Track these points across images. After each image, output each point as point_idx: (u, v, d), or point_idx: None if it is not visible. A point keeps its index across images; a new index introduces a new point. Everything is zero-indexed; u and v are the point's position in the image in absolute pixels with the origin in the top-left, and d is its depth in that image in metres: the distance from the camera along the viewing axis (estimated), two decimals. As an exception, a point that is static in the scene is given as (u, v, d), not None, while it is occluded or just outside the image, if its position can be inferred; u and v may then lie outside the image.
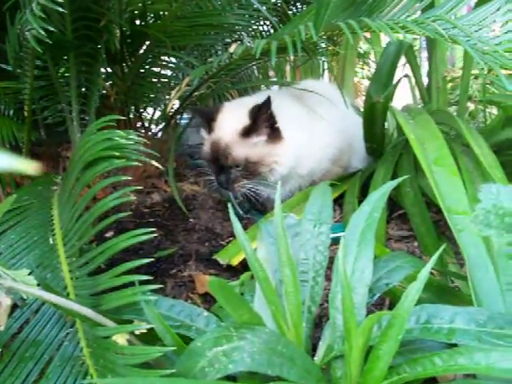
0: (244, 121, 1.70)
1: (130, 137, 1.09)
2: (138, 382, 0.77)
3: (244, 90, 2.51)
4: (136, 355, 0.86)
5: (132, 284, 0.98)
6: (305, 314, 0.98)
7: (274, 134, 1.70)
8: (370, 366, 0.83)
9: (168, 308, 0.99)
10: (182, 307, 0.99)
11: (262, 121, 1.68)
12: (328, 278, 1.07)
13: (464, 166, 1.39)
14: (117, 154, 1.05)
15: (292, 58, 2.55)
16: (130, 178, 1.07)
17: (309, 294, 1.01)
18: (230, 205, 1.03)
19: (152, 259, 1.05)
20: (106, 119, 1.19)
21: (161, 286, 0.96)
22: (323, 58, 2.76)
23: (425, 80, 2.13)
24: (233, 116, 1.74)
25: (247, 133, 1.69)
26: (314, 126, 1.82)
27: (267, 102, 1.66)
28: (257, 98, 1.80)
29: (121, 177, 1.07)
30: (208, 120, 1.78)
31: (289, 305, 0.94)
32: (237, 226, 0.95)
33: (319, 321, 1.24)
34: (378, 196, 1.08)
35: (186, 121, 2.36)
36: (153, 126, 2.33)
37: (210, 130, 1.77)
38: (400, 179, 1.12)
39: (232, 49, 1.59)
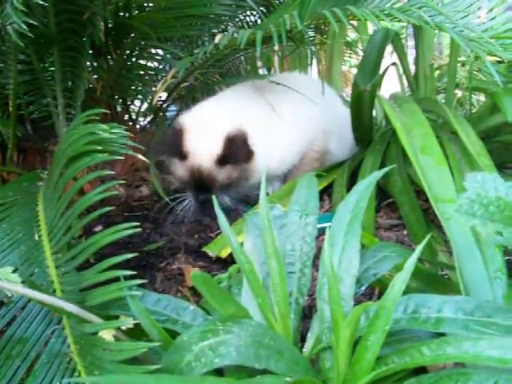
0: (218, 148, 1.66)
1: (114, 130, 1.07)
2: (123, 379, 0.76)
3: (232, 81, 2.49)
4: (123, 351, 0.86)
5: (120, 279, 0.97)
6: (292, 305, 0.97)
7: (248, 154, 1.69)
8: (358, 356, 0.83)
9: (154, 302, 0.98)
10: (168, 301, 0.98)
11: (237, 151, 1.66)
12: (317, 269, 1.06)
13: (451, 154, 1.38)
14: (99, 148, 1.04)
15: (279, 47, 2.54)
16: (113, 172, 1.05)
17: (296, 286, 1.00)
18: (214, 198, 1.03)
19: (139, 253, 1.04)
20: (90, 113, 1.17)
21: (146, 281, 0.95)
22: (311, 48, 2.75)
23: (412, 68, 2.12)
24: (204, 142, 1.68)
25: (224, 161, 1.66)
26: (280, 121, 1.80)
27: (241, 135, 1.66)
28: (219, 107, 1.80)
29: (105, 171, 1.05)
30: (175, 149, 1.71)
31: (276, 297, 0.93)
32: (222, 219, 0.95)
33: (309, 312, 1.24)
34: (365, 186, 1.07)
35: (173, 113, 2.35)
36: (140, 119, 2.31)
37: (181, 157, 1.70)
38: (386, 169, 1.12)
39: (217, 39, 1.57)
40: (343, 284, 0.93)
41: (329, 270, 0.84)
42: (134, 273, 0.93)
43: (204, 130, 1.70)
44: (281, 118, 1.78)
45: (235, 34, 1.57)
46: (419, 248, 0.86)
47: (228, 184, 1.70)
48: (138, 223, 0.98)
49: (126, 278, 0.95)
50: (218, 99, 1.89)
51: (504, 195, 0.81)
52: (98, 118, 1.19)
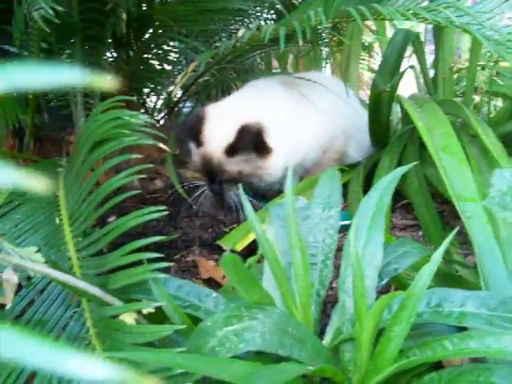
0: (231, 138, 1.66)
1: (140, 117, 1.07)
2: (151, 356, 0.76)
3: (247, 80, 2.49)
4: (145, 334, 0.86)
5: (138, 265, 0.97)
6: (313, 296, 0.97)
7: (263, 149, 1.68)
8: (381, 348, 0.83)
9: (176, 288, 0.98)
10: (190, 288, 0.98)
11: (249, 142, 1.65)
12: (334, 267, 1.06)
13: (471, 155, 1.38)
14: (127, 132, 1.04)
15: (295, 48, 2.55)
16: (140, 157, 1.05)
17: (318, 278, 1.00)
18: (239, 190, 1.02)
19: (152, 245, 1.04)
20: (113, 99, 1.18)
21: (169, 264, 0.95)
22: (327, 49, 2.76)
23: (430, 72, 2.12)
24: (219, 130, 1.69)
25: (234, 151, 1.66)
26: (304, 116, 1.80)
27: (255, 127, 1.65)
28: (243, 99, 1.81)
29: (131, 155, 1.06)
30: (193, 133, 1.73)
31: (298, 287, 0.93)
32: (247, 205, 0.94)
33: (324, 307, 1.24)
34: (388, 181, 1.07)
35: (188, 109, 2.36)
36: (156, 114, 2.32)
37: (197, 143, 1.72)
38: (408, 166, 1.11)
39: (240, 33, 1.57)
40: (366, 276, 0.93)
41: (354, 261, 0.84)
42: (160, 255, 0.93)
43: (222, 119, 1.71)
44: (305, 114, 1.78)
45: (256, 29, 1.58)
46: (445, 243, 0.86)
47: (239, 179, 1.67)
48: (162, 209, 0.98)
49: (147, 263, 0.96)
50: (244, 93, 1.90)
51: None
52: (121, 104, 1.19)
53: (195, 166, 1.78)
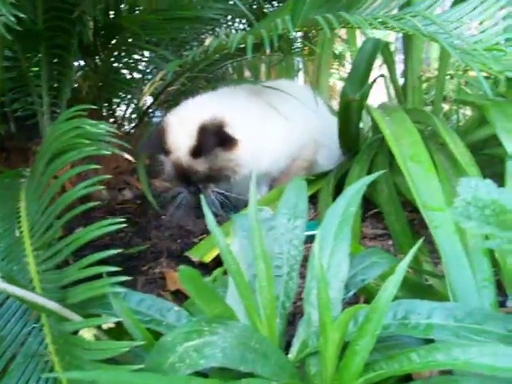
0: (193, 139, 1.67)
1: (101, 126, 1.05)
2: (106, 376, 0.73)
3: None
4: (104, 350, 0.83)
5: (99, 278, 0.94)
6: (279, 309, 0.95)
7: (228, 142, 1.68)
8: (346, 361, 0.80)
9: (137, 302, 0.95)
10: (151, 302, 0.95)
11: (211, 139, 1.66)
12: (301, 276, 1.04)
13: (439, 164, 1.37)
14: (87, 142, 1.01)
15: (267, 57, 2.54)
16: (99, 167, 1.03)
17: (283, 289, 0.97)
18: (203, 200, 0.99)
19: (120, 256, 1.01)
20: (77, 108, 1.15)
21: (130, 277, 0.92)
22: (298, 58, 2.75)
23: (400, 80, 2.12)
24: (181, 135, 1.70)
25: (199, 152, 1.68)
26: (270, 122, 1.80)
27: (213, 123, 1.66)
28: (201, 101, 1.81)
29: (90, 165, 1.03)
30: (160, 145, 1.73)
31: (262, 299, 0.91)
32: (210, 218, 0.92)
33: (292, 318, 1.22)
34: (354, 190, 1.06)
35: (158, 118, 2.33)
36: (125, 123, 2.29)
37: (165, 153, 1.73)
38: (377, 174, 1.10)
39: (207, 42, 1.56)
40: (332, 288, 0.91)
41: (319, 272, 0.82)
42: (119, 269, 0.90)
43: (182, 123, 1.71)
44: (273, 120, 1.77)
45: (225, 38, 1.56)
46: (410, 253, 0.84)
47: (212, 176, 1.70)
48: (124, 220, 0.95)
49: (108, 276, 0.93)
50: (203, 97, 1.88)
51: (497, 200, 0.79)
52: (84, 113, 1.16)
53: (169, 175, 1.78)
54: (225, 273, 1.23)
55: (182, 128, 1.70)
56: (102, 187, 1.08)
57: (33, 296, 0.89)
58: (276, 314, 0.92)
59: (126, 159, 2.00)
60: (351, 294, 1.00)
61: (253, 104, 1.81)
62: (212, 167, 1.69)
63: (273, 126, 1.78)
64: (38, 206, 1.11)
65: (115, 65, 1.99)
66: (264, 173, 1.80)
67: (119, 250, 0.95)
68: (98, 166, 1.02)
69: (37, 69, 1.81)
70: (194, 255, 1.48)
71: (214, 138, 1.65)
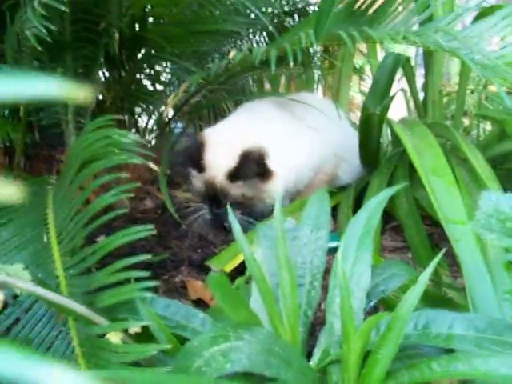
0: (233, 163, 1.67)
1: (129, 136, 1.08)
2: (134, 376, 0.75)
3: (239, 101, 2.50)
4: (130, 353, 0.85)
5: (125, 284, 0.97)
6: (301, 317, 0.97)
7: (265, 173, 1.69)
8: (368, 370, 0.82)
9: (163, 308, 0.97)
10: (177, 308, 0.97)
11: (252, 168, 1.67)
12: (323, 288, 1.06)
13: (460, 178, 1.39)
14: (116, 151, 1.04)
15: (287, 70, 2.57)
16: (124, 175, 1.05)
17: (305, 298, 1.00)
18: (230, 214, 1.01)
19: (144, 258, 1.03)
20: (103, 119, 1.18)
21: (157, 283, 0.94)
22: (318, 72, 2.78)
23: (420, 95, 2.14)
24: (221, 156, 1.70)
25: (237, 177, 1.68)
26: (298, 139, 1.82)
27: (257, 152, 1.66)
28: (241, 122, 1.82)
29: (120, 174, 1.05)
30: (194, 159, 1.74)
31: (285, 308, 0.93)
32: (236, 226, 0.94)
33: (312, 329, 1.23)
34: (376, 203, 1.08)
35: (179, 129, 2.36)
36: (147, 134, 2.32)
37: (199, 169, 1.74)
38: (399, 186, 1.12)
39: (231, 55, 1.59)
40: (354, 297, 0.93)
41: (342, 281, 0.84)
42: (148, 274, 0.93)
43: (223, 144, 1.72)
44: (300, 136, 1.80)
45: (248, 51, 1.59)
46: (432, 264, 0.86)
47: (242, 202, 1.71)
48: (151, 227, 0.98)
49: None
50: (241, 116, 1.91)
51: (519, 214, 0.81)
52: (111, 123, 1.19)
53: (196, 191, 1.79)
54: (246, 282, 1.25)
55: (222, 148, 1.71)
56: (127, 195, 1.10)
57: (62, 299, 0.91)
58: (298, 323, 0.94)
59: (148, 169, 2.05)
60: (372, 304, 1.02)
61: (285, 122, 1.84)
62: (245, 194, 1.70)
63: (301, 140, 1.80)
64: (66, 213, 1.14)
65: (138, 76, 2.03)
66: (290, 188, 1.81)
67: (147, 256, 0.98)
68: (126, 175, 1.05)
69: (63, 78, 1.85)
70: (214, 264, 1.50)
71: (255, 166, 1.66)
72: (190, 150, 1.79)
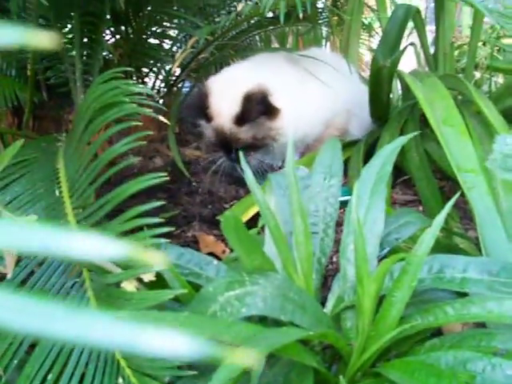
0: (237, 107, 1.67)
1: (140, 86, 1.07)
2: (151, 315, 0.76)
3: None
4: (145, 299, 0.85)
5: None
6: (315, 265, 0.97)
7: (272, 111, 1.69)
8: (383, 313, 0.83)
9: (177, 256, 0.98)
10: (191, 256, 0.98)
11: (256, 108, 1.66)
12: (334, 241, 1.06)
13: (472, 129, 1.38)
14: (126, 100, 1.03)
15: (295, 27, 2.53)
16: (140, 124, 1.04)
17: (319, 246, 1.00)
18: (243, 160, 1.00)
19: (159, 203, 1.02)
20: (114, 70, 1.17)
21: (171, 228, 0.94)
22: (326, 29, 2.74)
23: (431, 50, 2.11)
24: (225, 102, 1.70)
25: (243, 120, 1.68)
26: (308, 89, 1.80)
27: (258, 92, 1.65)
28: (244, 68, 1.81)
29: (131, 122, 1.05)
30: (201, 110, 1.74)
31: (299, 255, 0.93)
32: (249, 176, 0.94)
33: (325, 280, 1.24)
34: (389, 150, 1.07)
35: (187, 89, 2.35)
36: (154, 94, 2.30)
37: (207, 119, 1.74)
38: (411, 135, 1.11)
39: (239, 7, 1.56)
40: (368, 244, 0.93)
41: (356, 226, 0.84)
42: (162, 220, 0.93)
43: (226, 90, 1.72)
44: (309, 87, 1.78)
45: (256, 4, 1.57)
46: (444, 210, 0.85)
47: (254, 144, 1.71)
48: (164, 175, 0.98)
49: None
50: (244, 63, 1.90)
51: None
52: (121, 75, 1.18)
53: (210, 141, 1.80)
54: (259, 233, 1.26)
55: (225, 95, 1.71)
56: (139, 143, 1.09)
57: (76, 249, 0.91)
58: (312, 270, 0.95)
59: (157, 127, 2.04)
60: (385, 251, 1.02)
61: (292, 71, 1.82)
62: (255, 135, 1.70)
63: (310, 92, 1.79)
64: (77, 166, 1.14)
65: (146, 32, 2.00)
66: (299, 139, 1.80)
67: (162, 202, 0.98)
68: (139, 123, 1.03)
69: (69, 36, 1.83)
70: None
71: (259, 106, 1.66)
72: (195, 101, 1.79)
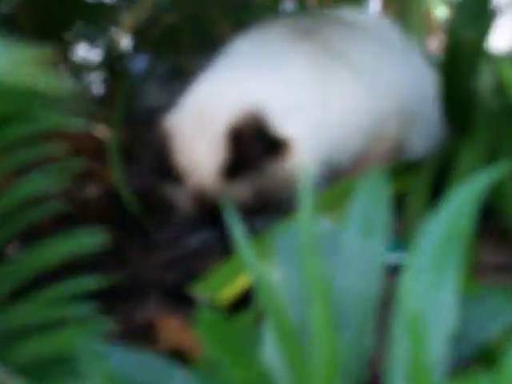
0: (221, 153, 1.66)
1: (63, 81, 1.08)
2: None
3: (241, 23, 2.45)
4: None
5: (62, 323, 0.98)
6: (342, 375, 0.98)
7: (276, 147, 1.68)
8: None
9: (120, 362, 0.99)
10: (144, 361, 0.99)
11: (253, 150, 1.65)
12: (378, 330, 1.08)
13: None
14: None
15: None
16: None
17: (351, 348, 1.01)
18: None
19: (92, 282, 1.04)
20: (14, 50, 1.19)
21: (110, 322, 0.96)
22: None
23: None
24: (201, 149, 1.68)
25: (234, 172, 1.67)
26: (335, 82, 1.82)
27: (255, 121, 1.65)
28: (230, 79, 1.80)
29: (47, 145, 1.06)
30: (164, 171, 1.72)
31: (318, 361, 0.94)
32: (236, 229, 0.95)
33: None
34: (470, 192, 1.08)
35: (142, 70, 2.36)
36: (86, 76, 2.32)
37: (175, 180, 1.71)
38: (507, 165, 1.13)
39: None
40: (430, 345, 0.95)
41: (411, 321, 0.86)
42: (95, 307, 0.95)
43: (199, 127, 1.70)
44: (337, 79, 1.78)
45: None
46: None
47: (257, 203, 1.69)
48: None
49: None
50: (222, 67, 1.89)
51: None
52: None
53: (186, 213, 1.76)
54: (255, 319, 1.27)
55: (200, 135, 1.68)
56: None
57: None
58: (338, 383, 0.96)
59: (90, 135, 2.06)
60: (465, 354, 1.03)
61: (305, 61, 1.81)
62: (257, 190, 1.68)
63: (339, 88, 1.79)
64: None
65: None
66: (324, 164, 1.81)
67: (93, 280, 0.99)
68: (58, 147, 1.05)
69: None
70: (201, 291, 1.50)
71: (256, 144, 1.64)
72: (154, 153, 1.76)
